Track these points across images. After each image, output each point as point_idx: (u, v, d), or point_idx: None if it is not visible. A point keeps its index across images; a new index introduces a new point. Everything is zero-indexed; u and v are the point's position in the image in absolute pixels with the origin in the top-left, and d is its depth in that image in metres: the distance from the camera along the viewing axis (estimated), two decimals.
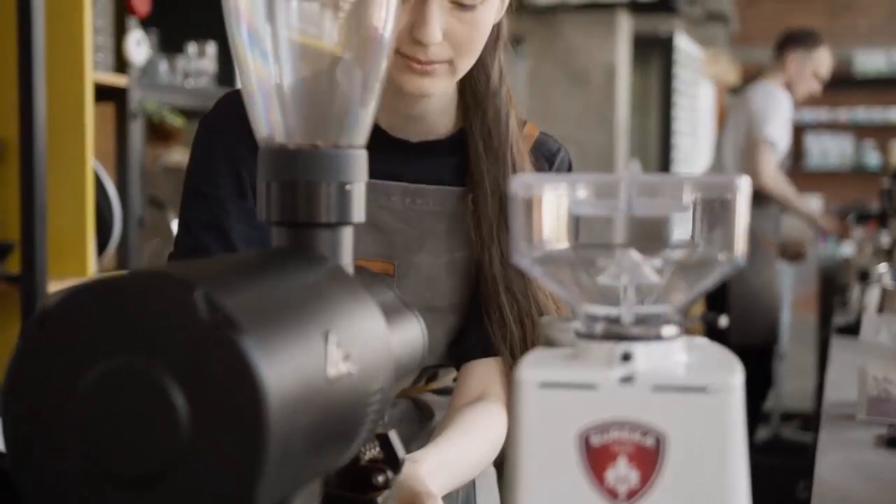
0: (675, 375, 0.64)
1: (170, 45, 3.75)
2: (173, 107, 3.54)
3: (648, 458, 0.63)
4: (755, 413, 4.82)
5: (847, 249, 4.52)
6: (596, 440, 0.63)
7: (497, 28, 1.36)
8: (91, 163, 3.00)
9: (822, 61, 4.77)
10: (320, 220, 0.72)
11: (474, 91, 1.39)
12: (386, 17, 0.76)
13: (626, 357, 0.64)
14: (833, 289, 4.68)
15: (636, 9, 5.94)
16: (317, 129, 0.74)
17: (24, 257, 2.70)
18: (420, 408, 1.46)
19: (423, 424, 1.45)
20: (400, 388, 0.84)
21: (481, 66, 1.36)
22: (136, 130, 3.38)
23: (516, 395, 0.65)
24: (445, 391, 1.48)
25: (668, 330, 0.66)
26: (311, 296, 0.67)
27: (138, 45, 3.32)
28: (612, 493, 0.64)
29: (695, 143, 7.81)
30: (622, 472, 0.63)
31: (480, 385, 1.38)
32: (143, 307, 0.57)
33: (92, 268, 3.01)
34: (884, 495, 1.43)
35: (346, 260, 0.74)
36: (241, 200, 1.32)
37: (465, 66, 1.31)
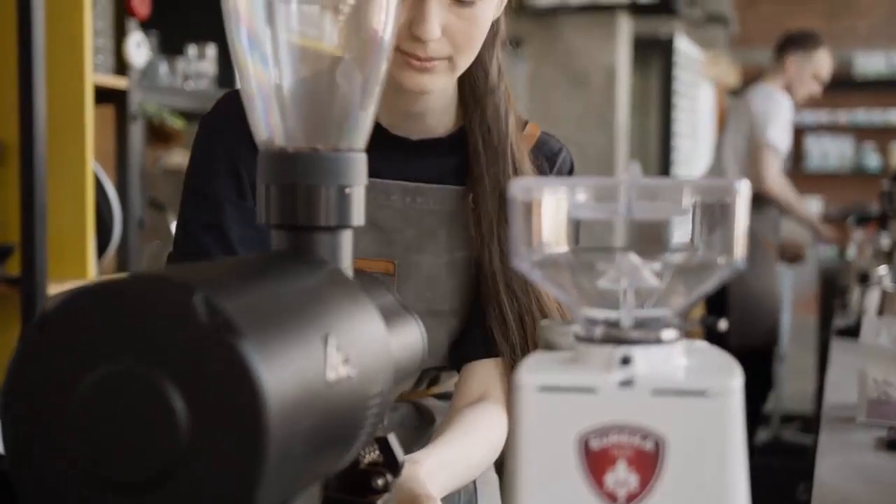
0: (675, 379, 0.64)
1: (170, 47, 3.75)
2: (173, 109, 3.54)
3: (648, 462, 0.63)
4: (755, 415, 4.82)
5: (850, 252, 4.53)
6: (595, 444, 0.63)
7: (495, 25, 1.37)
8: (91, 165, 3.00)
9: (821, 63, 4.76)
10: (320, 223, 0.72)
11: (473, 88, 1.39)
12: (385, 19, 0.76)
13: (626, 361, 0.64)
14: (833, 291, 4.68)
15: (636, 10, 5.94)
16: (316, 132, 0.74)
17: (24, 259, 2.70)
18: (421, 412, 1.46)
19: (423, 429, 1.44)
20: (400, 391, 0.84)
21: (480, 64, 1.36)
22: (136, 132, 3.39)
23: (516, 399, 0.65)
24: (446, 396, 1.47)
25: (668, 333, 0.66)
26: (311, 299, 0.67)
27: (138, 47, 3.33)
28: (612, 497, 0.64)
29: (695, 145, 7.81)
30: (622, 476, 0.63)
31: (481, 386, 1.37)
32: (143, 311, 0.57)
33: (92, 270, 3.01)
34: (884, 498, 1.43)
35: (346, 263, 0.74)
36: (240, 201, 1.32)
37: (465, 62, 1.31)
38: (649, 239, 0.69)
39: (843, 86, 7.85)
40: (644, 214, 0.66)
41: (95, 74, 3.08)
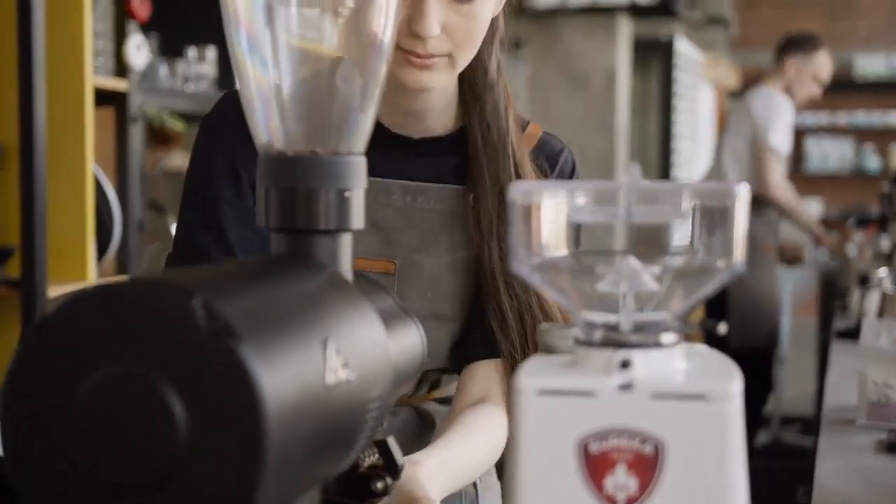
0: (674, 383, 0.64)
1: (170, 49, 3.75)
2: (173, 111, 3.55)
3: (647, 466, 0.63)
4: (755, 417, 4.82)
5: (850, 251, 4.53)
6: (595, 447, 0.63)
7: (494, 23, 1.37)
8: (91, 167, 3.00)
9: (821, 65, 4.76)
10: (319, 226, 0.72)
11: (472, 85, 1.39)
12: (385, 21, 0.76)
13: (625, 364, 0.64)
14: (833, 293, 4.68)
15: (636, 13, 5.94)
16: (316, 135, 0.74)
17: (24, 261, 2.70)
18: (422, 417, 1.45)
19: (424, 435, 1.43)
20: (399, 394, 0.84)
21: (479, 61, 1.35)
22: (136, 134, 3.39)
23: (516, 403, 0.65)
24: (447, 401, 1.46)
25: (667, 337, 0.66)
26: (310, 303, 0.67)
27: (138, 50, 3.33)
28: (611, 501, 0.64)
29: (695, 147, 7.81)
30: (621, 480, 0.63)
31: (482, 387, 1.37)
32: (142, 314, 0.57)
33: (92, 272, 3.01)
34: (884, 500, 1.43)
35: (346, 267, 0.74)
36: (239, 201, 1.32)
37: (465, 59, 1.31)
38: (649, 242, 0.69)
39: (843, 87, 7.85)
40: (643, 218, 0.66)
41: (95, 76, 3.08)
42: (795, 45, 4.77)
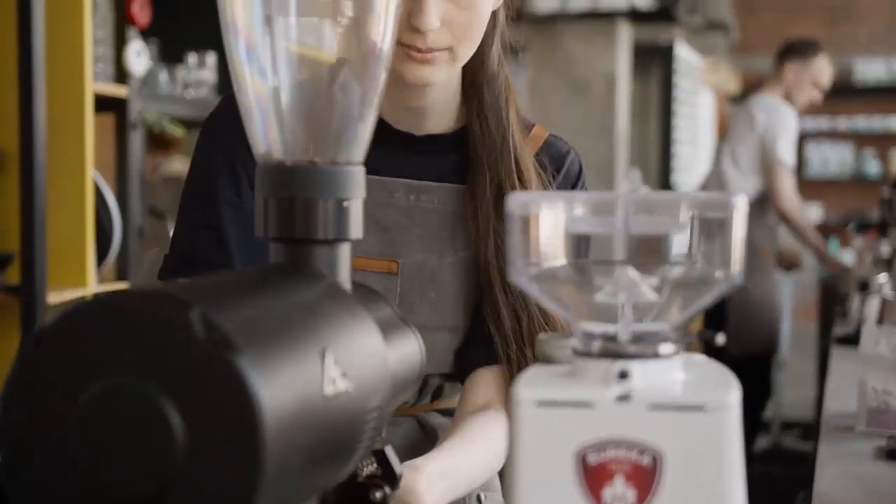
0: (672, 394, 0.64)
1: (170, 55, 3.76)
2: (173, 117, 3.55)
3: (645, 477, 0.63)
4: (755, 423, 4.82)
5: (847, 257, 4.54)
6: (593, 459, 0.63)
7: (495, 16, 1.36)
8: (91, 173, 3.00)
9: (821, 70, 4.76)
10: (318, 236, 0.72)
11: (472, 78, 1.39)
12: (384, 30, 0.76)
13: (623, 375, 0.64)
14: (833, 298, 4.68)
15: (636, 18, 5.94)
16: (314, 145, 0.74)
17: (24, 268, 2.70)
18: (425, 430, 1.43)
19: (426, 448, 1.39)
20: (398, 403, 0.84)
21: (478, 53, 1.35)
22: (136, 141, 3.39)
23: (514, 414, 0.65)
24: (451, 413, 1.44)
25: (666, 348, 0.66)
26: (309, 313, 0.67)
27: (138, 56, 3.33)
28: None
29: (695, 152, 7.81)
30: (619, 491, 0.63)
31: (486, 393, 1.36)
32: (140, 326, 0.57)
33: (92, 278, 3.01)
34: None
35: (344, 276, 0.74)
36: (239, 202, 1.32)
37: (466, 53, 1.30)
38: (647, 253, 0.69)
39: (843, 92, 7.84)
40: (642, 229, 0.66)
41: (95, 83, 3.08)
42: (795, 50, 4.77)
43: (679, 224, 0.67)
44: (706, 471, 0.63)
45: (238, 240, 1.31)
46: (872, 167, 9.05)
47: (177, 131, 3.60)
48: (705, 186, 4.95)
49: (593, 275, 0.68)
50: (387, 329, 0.76)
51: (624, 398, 0.64)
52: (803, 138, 8.84)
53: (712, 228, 0.67)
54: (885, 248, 3.61)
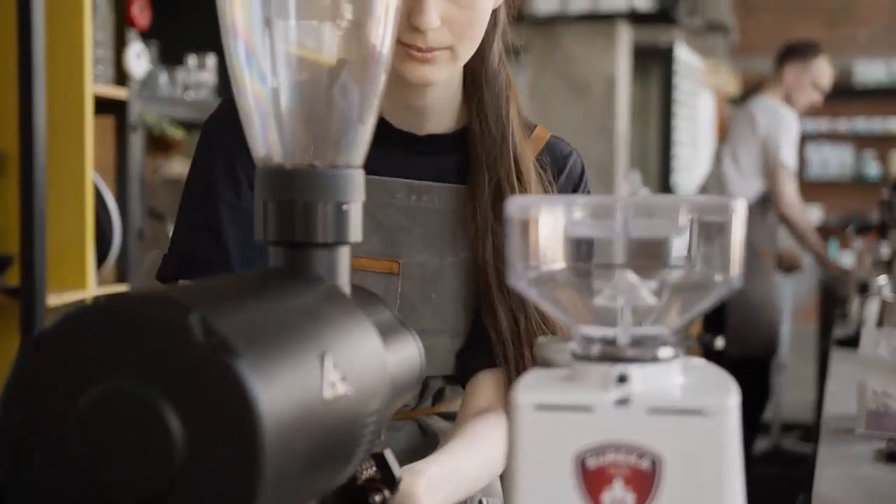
0: (671, 398, 0.64)
1: (170, 57, 3.76)
2: (173, 119, 3.55)
3: (644, 481, 0.63)
4: (754, 425, 4.82)
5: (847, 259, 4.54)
6: (592, 462, 0.63)
7: (496, 14, 1.36)
8: (91, 175, 3.01)
9: (821, 72, 4.76)
10: (317, 240, 0.72)
11: (473, 76, 1.38)
12: (384, 33, 0.76)
13: (622, 379, 0.64)
14: (833, 300, 4.68)
15: (636, 19, 5.94)
16: (314, 148, 0.74)
17: (24, 269, 2.70)
18: (426, 434, 1.42)
19: (427, 452, 1.38)
20: (398, 406, 0.84)
21: (479, 51, 1.34)
22: (136, 143, 3.39)
23: (513, 417, 0.65)
24: (453, 417, 1.44)
25: (665, 352, 0.66)
26: (308, 317, 0.67)
27: (138, 58, 3.33)
28: None
29: (695, 153, 7.81)
30: (618, 495, 0.63)
31: (488, 396, 1.35)
32: (140, 330, 0.57)
33: (91, 280, 3.02)
34: None
35: (343, 280, 0.74)
36: (238, 202, 1.32)
37: (467, 52, 1.30)
38: (647, 256, 0.69)
39: (843, 94, 7.84)
40: (641, 232, 0.66)
41: (95, 85, 3.08)
42: (794, 52, 4.77)
43: (678, 228, 0.67)
44: (705, 475, 0.63)
45: (237, 241, 1.31)
46: (872, 169, 9.05)
47: (177, 133, 3.60)
48: (705, 188, 4.95)
49: (592, 278, 0.68)
50: (386, 332, 0.76)
51: (623, 402, 0.64)
52: (803, 140, 8.83)
53: (711, 232, 0.67)
54: (884, 250, 3.61)
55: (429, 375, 1.39)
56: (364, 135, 0.76)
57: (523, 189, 1.36)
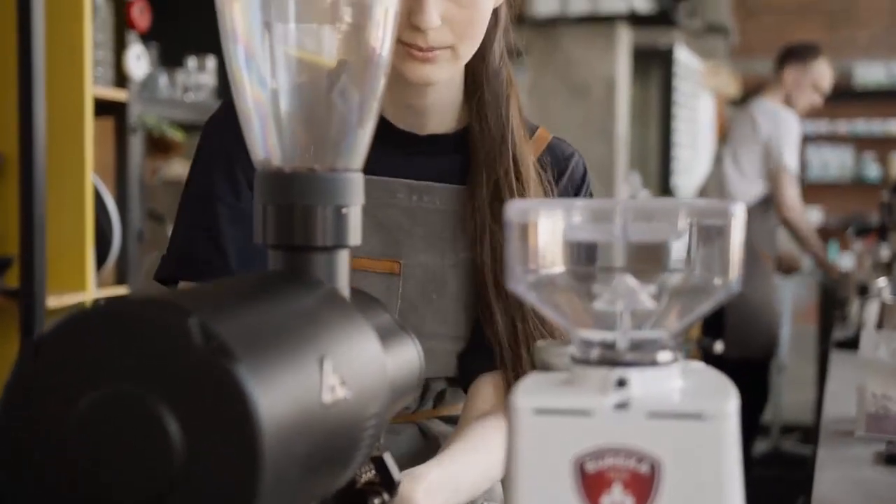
0: (671, 402, 0.64)
1: (170, 59, 3.76)
2: (173, 121, 3.55)
3: (644, 485, 0.63)
4: (753, 427, 4.82)
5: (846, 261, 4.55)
6: (591, 467, 0.63)
7: (497, 13, 1.36)
8: (90, 177, 3.00)
9: (821, 74, 4.76)
10: (316, 243, 0.72)
11: (474, 75, 1.38)
12: (383, 36, 0.76)
13: (621, 383, 0.64)
14: (833, 302, 4.68)
15: (636, 21, 5.95)
16: (313, 151, 0.74)
17: (24, 271, 2.70)
18: (427, 438, 1.41)
19: (428, 456, 1.36)
20: (397, 409, 0.84)
21: (480, 51, 1.34)
22: (136, 144, 3.39)
23: (512, 422, 0.65)
24: (454, 420, 1.43)
25: (664, 355, 0.66)
26: (307, 321, 0.67)
27: (138, 60, 3.33)
28: None
29: (695, 155, 7.81)
30: (617, 499, 0.63)
31: (490, 399, 1.35)
32: (139, 335, 0.57)
33: (91, 282, 3.01)
34: None
35: (343, 283, 0.74)
36: (237, 202, 1.31)
37: (468, 51, 1.30)
38: (646, 260, 0.68)
39: (843, 96, 7.85)
40: (640, 236, 0.66)
41: (95, 87, 3.08)
42: (794, 54, 4.77)
43: (677, 231, 0.67)
44: (704, 478, 0.63)
45: (236, 242, 1.30)
46: (872, 171, 9.06)
47: (176, 135, 3.60)
48: (705, 189, 4.94)
49: (592, 282, 0.68)
50: (385, 336, 0.76)
51: (622, 406, 0.64)
52: (803, 142, 8.84)
53: (711, 236, 0.67)
54: (884, 252, 3.61)
55: (430, 377, 1.38)
56: (363, 138, 0.76)
57: (522, 189, 1.35)
